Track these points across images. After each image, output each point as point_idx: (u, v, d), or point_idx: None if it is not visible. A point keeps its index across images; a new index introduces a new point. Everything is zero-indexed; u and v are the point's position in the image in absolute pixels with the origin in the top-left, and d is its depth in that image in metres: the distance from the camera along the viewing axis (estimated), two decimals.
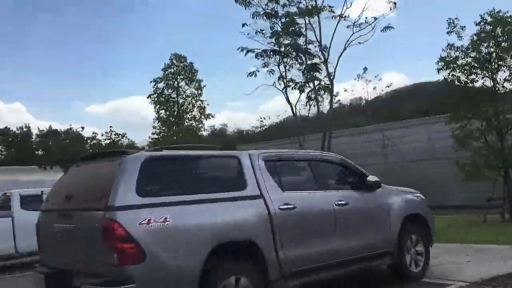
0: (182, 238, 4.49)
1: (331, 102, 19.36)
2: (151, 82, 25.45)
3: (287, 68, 18.89)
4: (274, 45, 18.93)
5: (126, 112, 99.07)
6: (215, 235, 4.69)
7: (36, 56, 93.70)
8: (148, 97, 26.20)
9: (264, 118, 31.06)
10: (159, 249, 4.31)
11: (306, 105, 19.13)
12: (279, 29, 18.52)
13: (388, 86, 58.59)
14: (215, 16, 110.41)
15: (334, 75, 18.42)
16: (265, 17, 17.98)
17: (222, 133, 57.02)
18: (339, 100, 19.20)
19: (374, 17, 17.77)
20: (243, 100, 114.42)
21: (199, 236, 4.59)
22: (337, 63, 18.08)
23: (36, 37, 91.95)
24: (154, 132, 27.88)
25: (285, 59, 18.96)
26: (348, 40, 18.15)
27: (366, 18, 17.93)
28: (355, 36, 17.92)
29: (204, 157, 5.30)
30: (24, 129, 63.42)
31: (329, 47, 18.27)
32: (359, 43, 18.31)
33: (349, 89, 59.90)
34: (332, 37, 18.41)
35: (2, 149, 60.84)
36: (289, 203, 5.34)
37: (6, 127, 61.32)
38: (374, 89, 56.52)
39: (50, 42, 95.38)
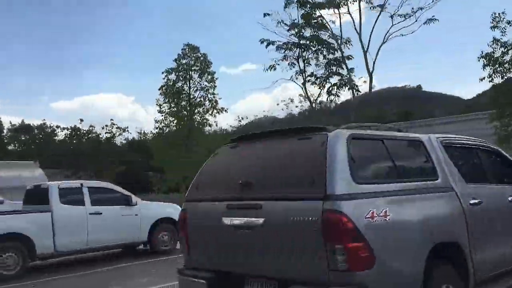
0: (402, 237, 3.59)
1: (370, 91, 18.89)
2: (162, 72, 24.14)
3: (306, 62, 18.26)
4: (295, 36, 18.25)
5: (94, 109, 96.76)
6: (433, 234, 3.82)
7: None
8: (159, 89, 24.80)
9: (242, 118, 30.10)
10: (385, 250, 3.43)
11: (327, 99, 18.53)
12: (302, 20, 17.88)
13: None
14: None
15: (373, 68, 17.92)
16: (298, 4, 17.30)
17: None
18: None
19: (420, 8, 17.47)
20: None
21: (418, 235, 3.72)
22: (376, 56, 17.58)
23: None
24: (157, 126, 26.45)
25: (304, 53, 18.30)
26: (387, 32, 17.68)
27: (412, 8, 17.65)
28: (396, 27, 17.58)
29: (398, 138, 4.37)
30: None
31: (369, 39, 17.78)
32: (402, 35, 17.86)
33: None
34: (373, 29, 17.92)
35: None
36: (476, 197, 4.53)
37: None
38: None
39: (14, 37, 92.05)
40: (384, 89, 76.10)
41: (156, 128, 26.25)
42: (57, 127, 51.63)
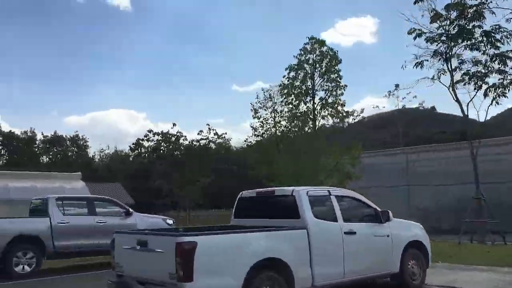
0: None
1: None
2: (286, 69, 21.38)
3: (457, 58, 15.60)
4: (442, 28, 15.67)
5: (105, 124, 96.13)
6: None
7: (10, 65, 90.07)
8: (280, 90, 22.05)
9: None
10: None
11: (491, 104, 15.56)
12: None
13: None
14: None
15: None
16: None
17: None
18: None
19: None
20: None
21: None
22: None
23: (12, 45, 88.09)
24: (258, 133, 23.79)
25: (454, 48, 15.68)
26: None
27: None
28: None
29: None
30: (29, 134, 58.20)
31: None
32: None
33: None
34: None
35: (5, 153, 55.28)
36: None
37: (10, 131, 55.93)
38: None
39: (27, 51, 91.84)
40: None
41: (256, 135, 23.81)
42: (150, 131, 48.22)
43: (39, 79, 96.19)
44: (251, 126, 24.87)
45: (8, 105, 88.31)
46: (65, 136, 61.10)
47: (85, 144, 62.45)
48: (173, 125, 54.17)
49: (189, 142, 42.49)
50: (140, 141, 48.61)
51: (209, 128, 41.37)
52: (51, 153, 60.29)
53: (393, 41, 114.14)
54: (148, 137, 46.99)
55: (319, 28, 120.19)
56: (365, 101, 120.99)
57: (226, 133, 64.69)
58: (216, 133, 41.53)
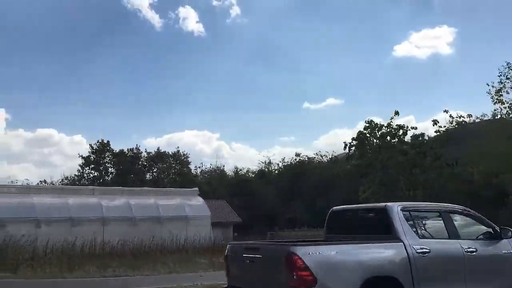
0: None
1: None
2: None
3: None
4: None
5: (181, 145, 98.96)
6: None
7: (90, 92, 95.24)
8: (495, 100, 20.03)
9: None
10: None
11: None
12: None
13: None
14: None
15: None
16: None
17: None
18: None
19: None
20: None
21: None
22: None
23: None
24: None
25: None
26: None
27: None
28: None
29: None
30: (134, 151, 60.08)
31: None
32: None
33: None
34: None
35: (113, 171, 57.62)
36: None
37: (121, 150, 57.99)
38: None
39: (107, 78, 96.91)
40: None
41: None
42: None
43: (119, 103, 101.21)
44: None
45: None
46: (167, 152, 62.37)
47: (185, 159, 63.30)
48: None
49: None
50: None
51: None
52: (154, 170, 61.75)
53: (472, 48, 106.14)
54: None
55: (392, 41, 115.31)
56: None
57: None
58: None
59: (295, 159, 69.88)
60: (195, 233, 31.47)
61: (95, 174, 56.84)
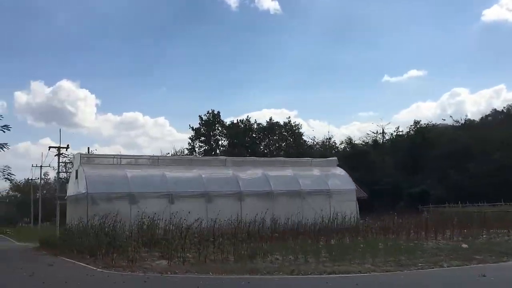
0: None
1: None
2: None
3: None
4: None
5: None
6: None
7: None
8: None
9: None
10: None
11: None
12: None
13: None
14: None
15: None
16: None
17: None
18: None
19: None
20: None
21: None
22: None
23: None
24: None
25: None
26: None
27: None
28: None
29: None
30: (245, 122, 56.40)
31: None
32: None
33: None
34: None
35: (224, 143, 54.58)
36: None
37: (232, 121, 54.60)
38: None
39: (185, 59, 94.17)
40: None
41: None
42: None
43: (198, 86, 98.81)
44: None
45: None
46: (279, 122, 58.02)
47: (297, 131, 58.61)
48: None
49: None
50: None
51: None
52: (266, 142, 57.80)
53: None
54: None
55: (480, 5, 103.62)
56: None
57: None
58: None
59: (413, 127, 61.83)
60: (338, 210, 26.22)
61: (206, 147, 54.15)
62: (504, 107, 61.69)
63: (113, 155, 24.99)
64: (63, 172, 38.51)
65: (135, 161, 25.66)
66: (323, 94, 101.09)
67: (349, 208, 26.77)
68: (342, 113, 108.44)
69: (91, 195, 21.92)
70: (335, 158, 31.26)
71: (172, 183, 24.17)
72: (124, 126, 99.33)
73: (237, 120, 56.16)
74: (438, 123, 61.79)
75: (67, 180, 37.74)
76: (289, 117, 58.68)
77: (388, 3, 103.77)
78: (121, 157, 24.84)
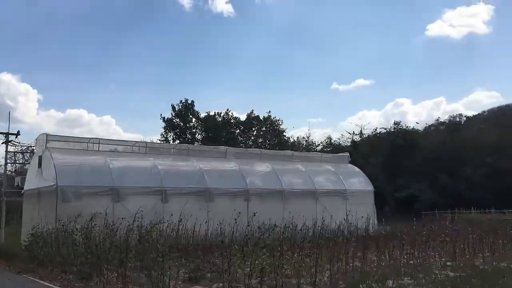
0: None
1: None
2: None
3: None
4: None
5: None
6: None
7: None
8: None
9: None
10: None
11: None
12: None
13: None
14: None
15: None
16: None
17: None
18: None
19: None
20: None
21: None
22: None
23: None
24: None
25: None
26: None
27: None
28: None
29: None
30: (223, 115, 51.29)
31: None
32: None
33: None
34: None
35: (200, 137, 49.21)
36: None
37: (208, 113, 49.19)
38: None
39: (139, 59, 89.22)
40: None
41: None
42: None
43: (147, 86, 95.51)
44: None
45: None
46: (259, 116, 53.39)
47: (278, 126, 54.15)
48: None
49: None
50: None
51: None
52: (245, 136, 53.01)
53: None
54: None
55: (425, 20, 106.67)
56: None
57: None
58: None
59: (394, 128, 58.65)
60: (354, 214, 21.90)
61: (180, 139, 48.70)
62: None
63: (89, 138, 19.57)
64: (13, 162, 32.05)
65: (117, 147, 20.38)
66: (275, 97, 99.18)
67: (366, 212, 22.59)
68: (293, 117, 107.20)
69: (62, 189, 16.56)
70: (347, 153, 27.09)
71: (166, 176, 19.12)
72: (67, 123, 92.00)
73: (215, 112, 51.24)
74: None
75: (19, 172, 31.51)
76: (270, 111, 53.92)
77: (339, 11, 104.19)
78: (99, 141, 19.46)
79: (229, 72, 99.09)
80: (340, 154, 27.18)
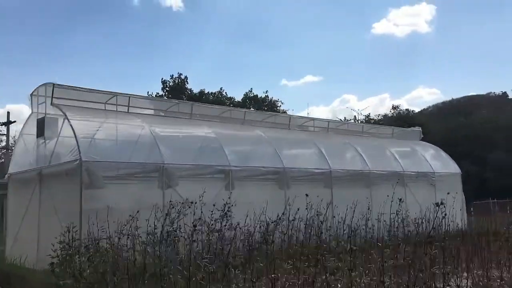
0: None
1: None
2: None
3: None
4: None
5: None
6: None
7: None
8: None
9: None
10: None
11: None
12: None
13: None
14: None
15: None
16: None
17: None
18: None
19: None
20: None
21: None
22: None
23: None
24: None
25: None
26: None
27: None
28: None
29: None
30: (217, 94, 45.03)
31: None
32: None
33: None
34: None
35: None
36: None
37: (202, 90, 42.27)
38: None
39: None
40: None
41: None
42: None
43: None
44: None
45: None
46: (258, 96, 47.51)
47: (277, 108, 48.56)
48: None
49: None
50: None
51: None
52: None
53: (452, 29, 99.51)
54: None
55: (372, 19, 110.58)
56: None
57: None
58: None
59: (393, 113, 54.28)
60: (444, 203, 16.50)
61: None
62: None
63: (113, 92, 12.98)
64: None
65: (154, 108, 13.97)
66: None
67: (454, 201, 17.41)
68: None
69: (88, 167, 10.23)
70: (419, 128, 21.76)
71: (230, 152, 13.08)
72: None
73: (208, 92, 44.94)
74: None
75: None
76: (267, 91, 48.18)
77: (288, 8, 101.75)
78: (129, 98, 13.01)
79: (178, 68, 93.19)
80: (411, 129, 21.82)
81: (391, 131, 20.27)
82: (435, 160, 19.78)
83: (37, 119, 12.29)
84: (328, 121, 17.97)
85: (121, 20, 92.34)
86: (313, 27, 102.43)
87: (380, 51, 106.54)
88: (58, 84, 11.83)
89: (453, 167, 19.94)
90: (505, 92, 59.51)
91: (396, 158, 17.86)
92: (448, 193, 10.64)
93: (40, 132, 12.02)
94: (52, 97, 11.65)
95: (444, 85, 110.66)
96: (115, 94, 12.75)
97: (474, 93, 70.01)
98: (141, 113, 13.32)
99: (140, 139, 11.79)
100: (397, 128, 20.78)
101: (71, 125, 10.69)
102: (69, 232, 7.32)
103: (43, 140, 12.12)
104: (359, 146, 17.20)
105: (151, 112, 14.03)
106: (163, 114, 14.12)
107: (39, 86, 12.39)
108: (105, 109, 12.61)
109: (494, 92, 55.98)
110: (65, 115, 11.01)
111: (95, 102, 12.69)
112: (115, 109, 12.87)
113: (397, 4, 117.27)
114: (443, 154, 20.58)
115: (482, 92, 55.71)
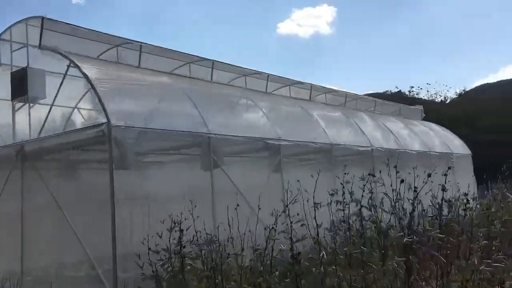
0: None
1: None
2: None
3: None
4: None
5: None
6: None
7: None
8: None
9: None
10: None
11: None
12: None
13: None
14: None
15: None
16: None
17: None
18: None
19: None
20: None
21: None
22: None
23: None
24: None
25: None
26: None
27: None
28: None
29: None
30: None
31: None
32: None
33: None
34: None
35: None
36: None
37: None
38: None
39: None
40: None
41: None
42: None
43: None
44: None
45: None
46: None
47: None
48: None
49: None
50: None
51: None
52: None
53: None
54: None
55: (276, 18, 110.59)
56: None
57: None
58: None
59: None
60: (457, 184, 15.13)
61: None
62: None
63: (126, 39, 9.24)
64: None
65: (180, 68, 10.41)
66: None
67: (468, 183, 15.97)
68: None
69: (119, 133, 6.73)
70: (421, 107, 20.06)
71: (275, 122, 10.08)
72: None
73: None
74: None
75: None
76: None
77: (192, 7, 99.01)
78: (141, 44, 9.45)
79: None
80: (413, 107, 19.96)
81: (398, 108, 18.28)
82: (449, 140, 18.18)
83: (12, 73, 8.38)
84: (346, 93, 15.42)
85: None
86: (218, 26, 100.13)
87: (285, 51, 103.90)
88: (50, 19, 8.01)
89: (463, 148, 18.49)
90: (400, 91, 61.41)
91: (420, 138, 15.91)
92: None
93: (19, 92, 8.15)
94: (40, 35, 7.81)
95: (346, 86, 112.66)
96: (127, 41, 9.12)
97: (373, 91, 70.17)
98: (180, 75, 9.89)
99: (174, 100, 8.41)
100: (403, 105, 18.83)
101: (84, 73, 7.05)
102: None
103: (23, 103, 8.27)
104: (387, 123, 14.97)
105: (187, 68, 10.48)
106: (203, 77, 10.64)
107: (15, 23, 8.45)
108: (118, 62, 8.94)
109: (390, 91, 57.42)
110: (72, 61, 7.30)
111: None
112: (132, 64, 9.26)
113: (300, 5, 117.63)
114: (451, 133, 19.10)
115: (381, 90, 56.78)
